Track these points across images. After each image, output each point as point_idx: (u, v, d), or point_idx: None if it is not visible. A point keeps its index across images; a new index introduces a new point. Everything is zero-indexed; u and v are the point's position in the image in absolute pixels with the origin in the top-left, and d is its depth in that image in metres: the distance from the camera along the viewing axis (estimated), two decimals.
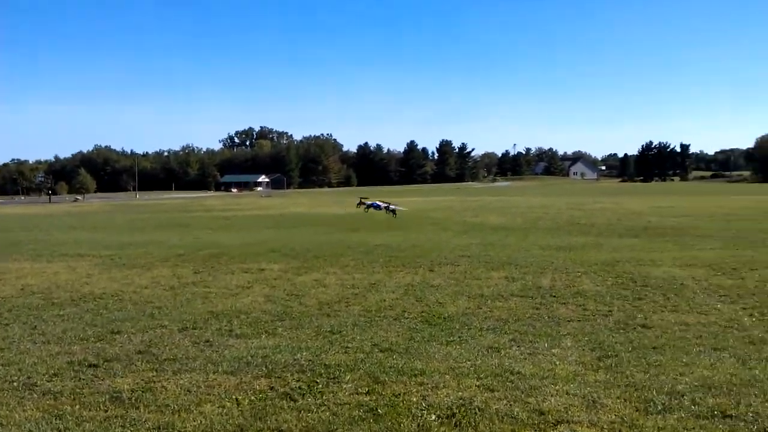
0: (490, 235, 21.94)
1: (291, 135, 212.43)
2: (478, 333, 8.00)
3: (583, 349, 7.16)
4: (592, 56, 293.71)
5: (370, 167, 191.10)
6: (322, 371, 6.42)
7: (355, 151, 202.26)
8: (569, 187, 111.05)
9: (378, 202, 34.58)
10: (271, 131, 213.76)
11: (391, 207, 32.74)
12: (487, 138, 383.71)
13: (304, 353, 7.10)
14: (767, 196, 52.20)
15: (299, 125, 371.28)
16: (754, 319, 8.55)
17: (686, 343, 7.36)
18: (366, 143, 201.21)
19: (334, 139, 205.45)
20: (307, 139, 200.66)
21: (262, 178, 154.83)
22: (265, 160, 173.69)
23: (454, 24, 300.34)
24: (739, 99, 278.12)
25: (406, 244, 18.82)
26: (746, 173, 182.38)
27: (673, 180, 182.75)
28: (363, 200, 36.49)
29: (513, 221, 28.24)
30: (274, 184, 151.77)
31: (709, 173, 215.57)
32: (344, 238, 21.13)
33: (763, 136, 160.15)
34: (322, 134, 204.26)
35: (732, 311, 9.08)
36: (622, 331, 8.02)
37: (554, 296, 10.32)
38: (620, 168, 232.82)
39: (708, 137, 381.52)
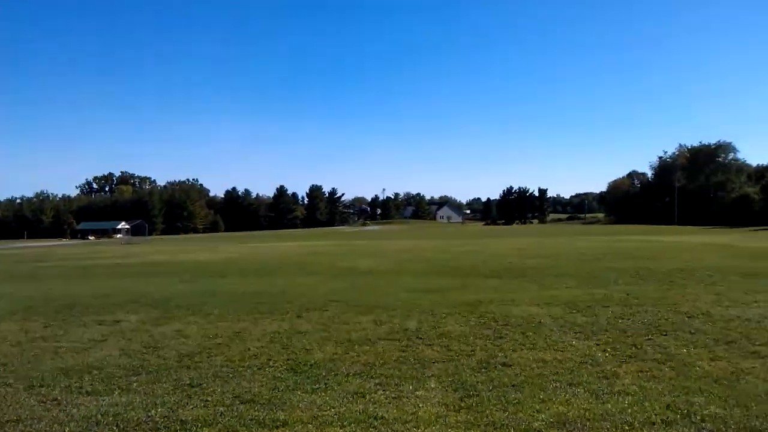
0: (360, 278, 21.99)
1: (154, 180, 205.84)
2: (344, 379, 7.90)
3: (447, 390, 7.24)
4: (457, 105, 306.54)
5: (239, 212, 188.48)
6: (178, 427, 6.08)
7: (223, 196, 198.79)
8: (436, 230, 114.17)
9: None
10: (132, 176, 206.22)
11: None
12: (357, 182, 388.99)
13: (159, 409, 6.71)
14: (617, 237, 55.84)
15: (163, 170, 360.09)
16: (607, 354, 8.99)
17: (544, 380, 7.62)
18: (234, 188, 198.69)
19: (201, 184, 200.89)
20: (171, 184, 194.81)
21: (122, 225, 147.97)
22: (125, 206, 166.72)
23: (318, 67, 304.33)
24: (592, 147, 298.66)
25: (273, 290, 18.48)
26: (600, 215, 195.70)
27: (532, 222, 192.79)
28: None
29: (382, 264, 28.50)
30: (136, 231, 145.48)
31: (565, 215, 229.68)
32: (209, 286, 20.46)
33: (613, 181, 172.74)
34: (188, 179, 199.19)
35: (586, 347, 9.51)
36: (484, 370, 8.19)
37: (420, 338, 10.41)
38: (484, 211, 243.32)
39: (564, 182, 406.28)
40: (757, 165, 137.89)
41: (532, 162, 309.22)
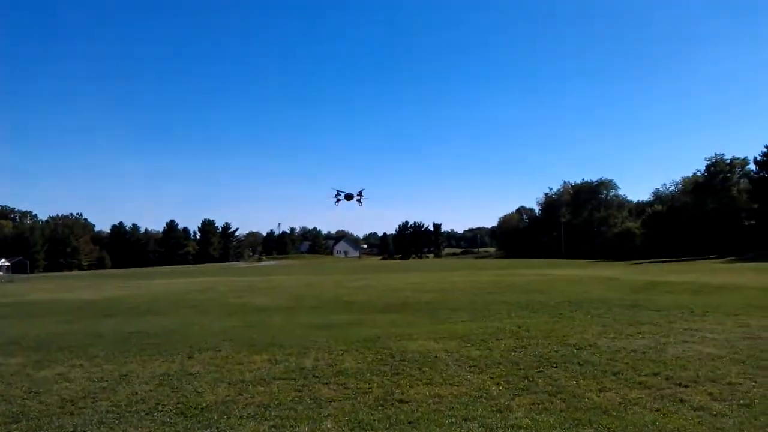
0: (254, 316, 21.54)
1: (36, 215, 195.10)
2: (237, 422, 7.64)
3: (343, 430, 7.13)
4: (351, 143, 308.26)
5: (126, 248, 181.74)
6: None
7: (109, 231, 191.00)
8: (333, 265, 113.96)
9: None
10: (12, 210, 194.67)
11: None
12: (252, 217, 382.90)
13: None
14: (508, 271, 57.53)
15: (46, 204, 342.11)
16: (500, 388, 9.15)
17: (439, 415, 7.65)
18: (121, 223, 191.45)
19: (85, 219, 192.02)
20: (54, 218, 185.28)
21: (2, 262, 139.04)
22: (5, 242, 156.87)
23: (208, 104, 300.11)
24: (484, 182, 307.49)
25: (163, 329, 17.76)
26: (492, 249, 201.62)
27: (428, 257, 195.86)
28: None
29: (278, 301, 28.06)
30: (16, 269, 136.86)
31: (459, 250, 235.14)
32: (93, 326, 19.44)
33: (504, 216, 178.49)
34: (72, 214, 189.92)
35: (481, 381, 9.65)
36: (380, 407, 8.14)
37: (317, 377, 10.25)
38: (381, 246, 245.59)
39: (458, 217, 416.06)
40: (637, 201, 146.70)
41: (428, 197, 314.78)
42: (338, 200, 37.71)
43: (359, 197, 37.55)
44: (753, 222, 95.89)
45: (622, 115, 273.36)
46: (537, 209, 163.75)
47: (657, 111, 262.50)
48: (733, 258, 76.14)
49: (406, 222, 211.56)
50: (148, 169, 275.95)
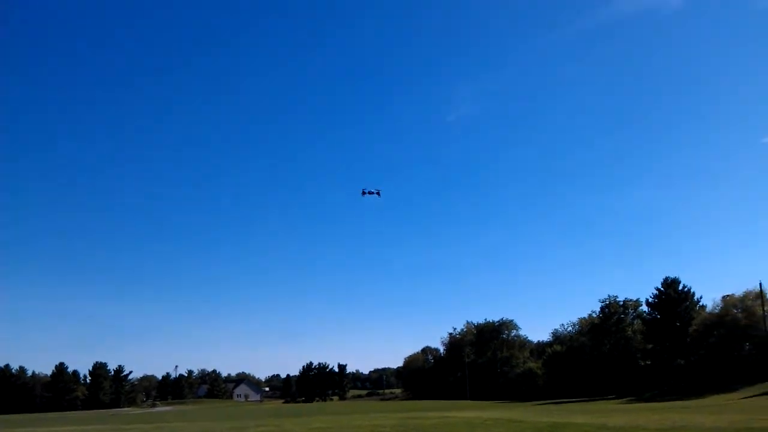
0: None
1: None
2: None
3: None
4: (253, 280, 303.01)
5: (10, 392, 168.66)
6: None
7: None
8: (232, 410, 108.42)
9: None
10: None
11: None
12: (147, 359, 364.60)
13: None
14: (413, 413, 56.18)
15: None
16: None
17: None
18: (7, 365, 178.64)
19: None
20: None
21: None
22: None
23: (104, 236, 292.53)
24: (389, 322, 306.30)
25: None
26: (397, 390, 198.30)
27: (332, 399, 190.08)
28: None
29: None
30: None
31: (365, 391, 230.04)
32: None
33: (409, 356, 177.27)
34: None
35: None
36: None
37: None
38: (284, 388, 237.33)
39: (363, 357, 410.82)
40: (538, 341, 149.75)
41: (332, 337, 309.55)
42: (364, 194, 56.40)
43: (378, 193, 58.20)
44: (648, 362, 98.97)
45: (519, 257, 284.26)
46: (442, 349, 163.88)
47: (550, 255, 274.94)
48: (632, 398, 77.72)
49: (311, 363, 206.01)
50: (38, 308, 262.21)
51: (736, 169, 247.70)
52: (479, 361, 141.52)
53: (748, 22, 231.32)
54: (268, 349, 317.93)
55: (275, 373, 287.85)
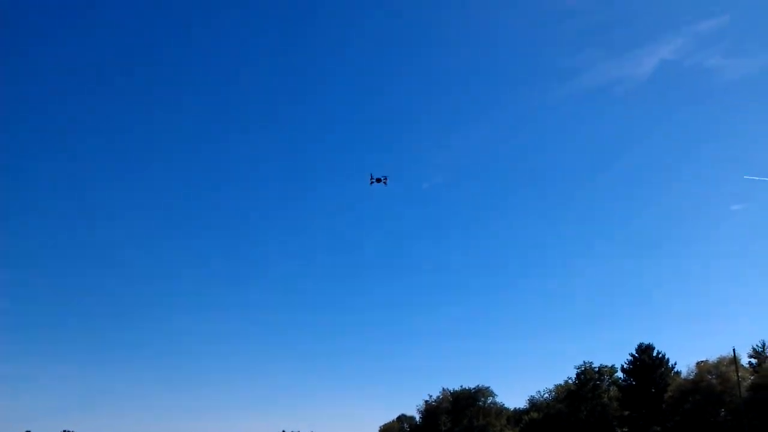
0: None
1: None
2: None
3: None
4: (220, 348, 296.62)
5: None
6: None
7: None
8: None
9: None
10: None
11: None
12: None
13: None
14: None
15: None
16: None
17: None
18: None
19: None
20: None
21: None
22: None
23: None
24: (362, 391, 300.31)
25: None
26: None
27: None
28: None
29: None
30: None
31: None
32: None
33: (384, 425, 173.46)
34: None
35: None
36: None
37: None
38: None
39: (337, 427, 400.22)
40: (515, 408, 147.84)
41: (303, 404, 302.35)
42: (372, 182, 60.04)
43: (384, 180, 64.70)
44: (625, 429, 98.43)
45: (490, 323, 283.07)
46: (417, 417, 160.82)
47: (526, 320, 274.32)
48: None
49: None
50: None
51: (707, 235, 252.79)
52: (455, 430, 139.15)
53: (715, 94, 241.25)
54: (238, 417, 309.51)
55: None
